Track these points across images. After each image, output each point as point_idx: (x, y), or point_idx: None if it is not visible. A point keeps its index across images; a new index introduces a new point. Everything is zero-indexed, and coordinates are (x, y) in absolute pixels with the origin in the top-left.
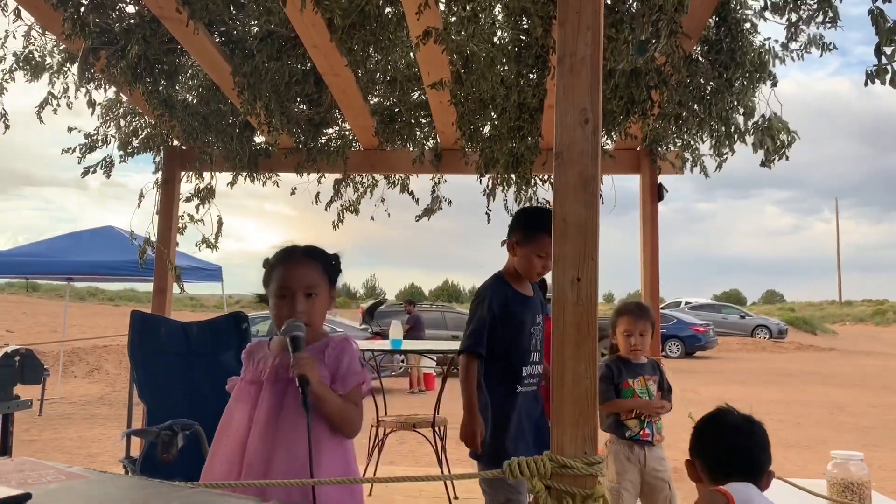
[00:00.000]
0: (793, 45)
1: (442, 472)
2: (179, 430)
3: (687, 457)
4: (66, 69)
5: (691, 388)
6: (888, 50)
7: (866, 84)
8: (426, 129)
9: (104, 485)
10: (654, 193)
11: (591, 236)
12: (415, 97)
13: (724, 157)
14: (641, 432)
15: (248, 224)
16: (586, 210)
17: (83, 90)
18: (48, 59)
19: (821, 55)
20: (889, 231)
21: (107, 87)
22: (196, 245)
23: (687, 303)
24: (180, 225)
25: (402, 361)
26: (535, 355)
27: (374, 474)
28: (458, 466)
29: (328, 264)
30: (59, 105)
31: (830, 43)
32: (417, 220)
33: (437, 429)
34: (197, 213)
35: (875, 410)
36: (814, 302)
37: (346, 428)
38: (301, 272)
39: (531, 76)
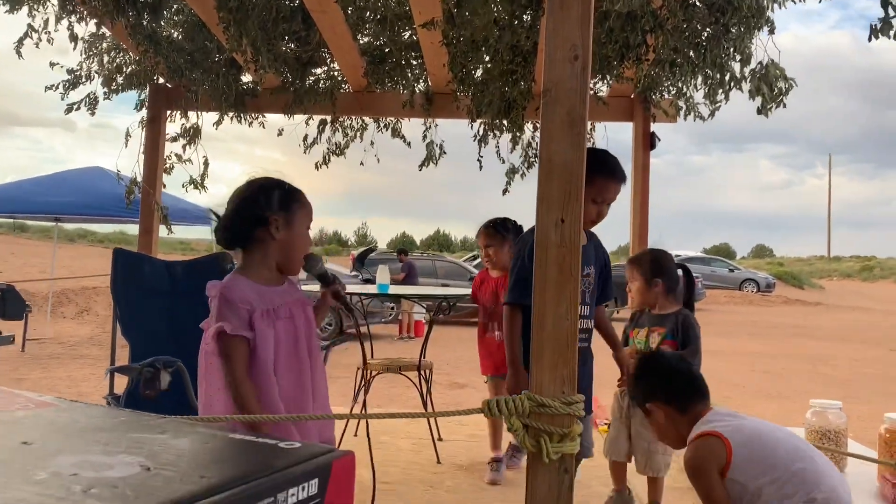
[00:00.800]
0: None
1: (426, 412)
2: (162, 366)
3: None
4: (46, 0)
5: None
6: None
7: (870, 39)
8: (417, 71)
9: (73, 413)
10: (647, 142)
11: (576, 177)
12: (406, 37)
13: (718, 105)
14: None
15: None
16: (573, 150)
17: (65, 23)
18: None
19: (819, 1)
20: (881, 188)
21: (89, 20)
22: (183, 186)
23: (677, 255)
24: (167, 165)
25: (392, 308)
26: (582, 308)
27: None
28: (443, 409)
29: None
30: (40, 40)
31: None
32: (421, 170)
33: (422, 372)
34: (184, 152)
35: (856, 364)
36: (803, 257)
37: None
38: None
39: (525, 17)
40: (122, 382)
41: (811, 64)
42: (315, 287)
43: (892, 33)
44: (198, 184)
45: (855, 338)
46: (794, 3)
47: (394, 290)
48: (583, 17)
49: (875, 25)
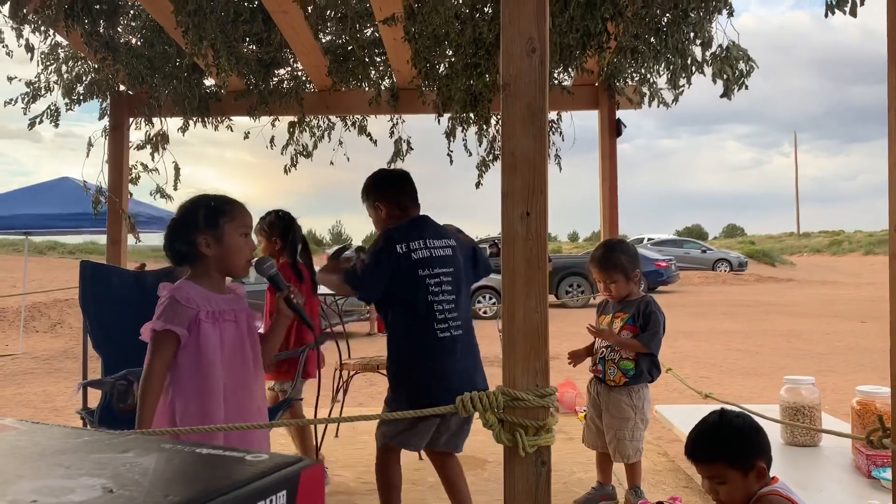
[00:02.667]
0: None
1: None
2: (135, 379)
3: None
4: None
5: None
6: None
7: (826, 15)
8: (381, 68)
9: (34, 435)
10: (613, 129)
11: (539, 170)
12: (368, 34)
13: (681, 89)
14: (594, 368)
15: (208, 172)
16: (534, 143)
17: (21, 35)
18: None
19: None
20: (846, 163)
21: (44, 30)
22: (151, 194)
23: (650, 239)
24: (133, 175)
25: (367, 305)
26: (449, 304)
27: (341, 416)
28: None
29: None
30: None
31: None
32: (389, 166)
33: None
34: (152, 160)
35: (829, 337)
36: (773, 235)
37: (273, 354)
38: (250, 215)
39: (486, 10)
40: (96, 396)
41: (773, 43)
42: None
43: (847, 8)
44: (164, 192)
45: (827, 312)
46: None
47: None
48: (538, 10)
49: (830, 2)
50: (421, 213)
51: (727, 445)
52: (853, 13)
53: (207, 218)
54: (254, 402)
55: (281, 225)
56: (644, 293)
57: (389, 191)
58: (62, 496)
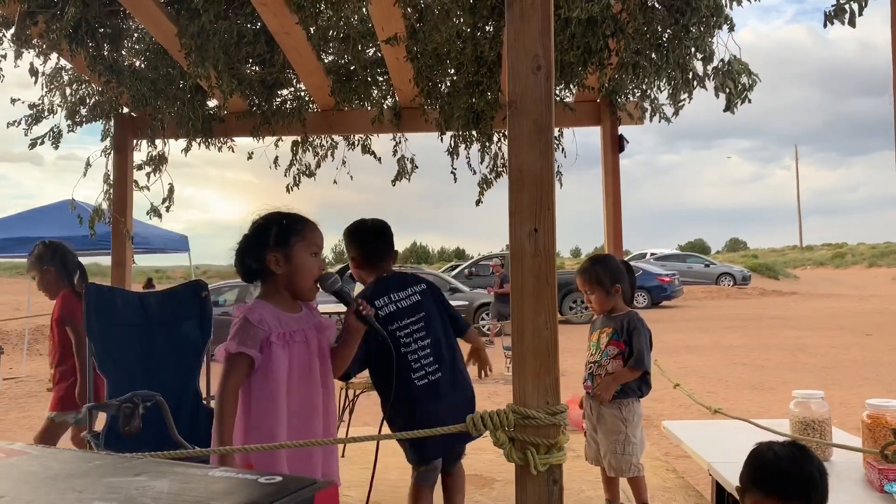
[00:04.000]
0: None
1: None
2: (140, 402)
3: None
4: (1, 35)
5: (657, 336)
6: None
7: (825, 25)
8: (384, 87)
9: (46, 460)
10: (616, 144)
11: (547, 186)
12: (370, 54)
13: (681, 104)
14: (585, 384)
15: (211, 194)
16: (541, 159)
17: (25, 57)
18: None
19: None
20: (846, 175)
21: (48, 54)
22: (147, 213)
23: (652, 254)
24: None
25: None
26: (425, 351)
27: (347, 435)
28: None
29: None
30: (2, 76)
31: None
32: (394, 185)
33: None
34: (148, 180)
35: (834, 350)
36: (776, 248)
37: (345, 366)
38: (321, 234)
39: (487, 28)
40: (102, 419)
41: (772, 58)
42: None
43: (846, 18)
44: (157, 212)
45: (831, 325)
46: (750, 1)
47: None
48: (543, 28)
49: (829, 12)
50: (423, 230)
51: (822, 488)
52: (852, 23)
53: (279, 236)
54: (320, 421)
55: (51, 255)
56: (629, 309)
57: (361, 243)
58: None
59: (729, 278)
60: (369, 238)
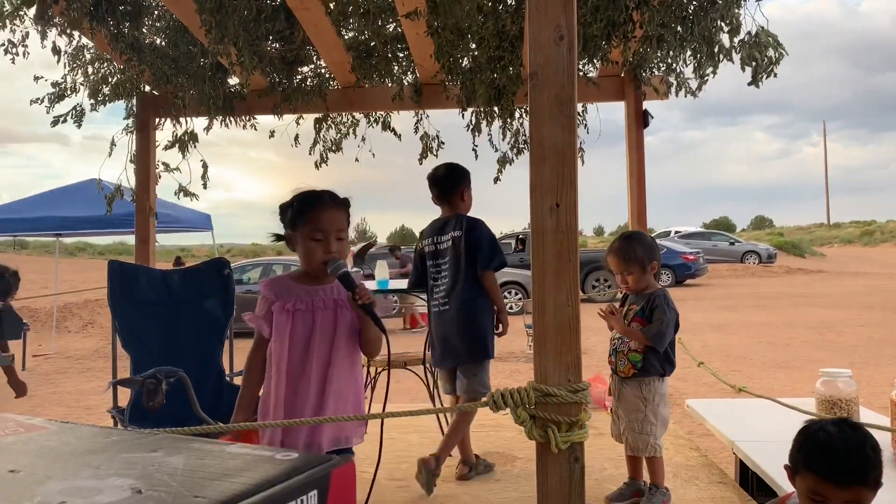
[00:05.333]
0: None
1: (434, 407)
2: (163, 377)
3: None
4: (22, 14)
5: (682, 315)
6: None
7: None
8: (404, 64)
9: (63, 435)
10: (640, 120)
11: (569, 160)
12: (390, 29)
13: (705, 78)
14: (609, 360)
15: (233, 172)
16: (564, 133)
17: (48, 38)
18: (6, 5)
19: None
20: (876, 152)
21: (69, 32)
22: (175, 194)
23: (677, 232)
24: (157, 174)
25: (395, 302)
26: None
27: (369, 413)
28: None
29: (348, 209)
30: (16, 54)
31: None
32: (421, 163)
33: (427, 365)
34: (183, 157)
35: (863, 329)
36: (802, 226)
37: (375, 348)
38: (332, 216)
39: (509, 2)
40: (126, 394)
41: (800, 32)
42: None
43: None
44: (189, 192)
45: (859, 303)
46: None
47: (394, 284)
48: None
49: None
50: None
51: (878, 466)
52: None
53: (292, 219)
54: (313, 391)
55: None
56: (660, 286)
57: (430, 184)
58: (90, 497)
59: (754, 256)
60: (430, 183)
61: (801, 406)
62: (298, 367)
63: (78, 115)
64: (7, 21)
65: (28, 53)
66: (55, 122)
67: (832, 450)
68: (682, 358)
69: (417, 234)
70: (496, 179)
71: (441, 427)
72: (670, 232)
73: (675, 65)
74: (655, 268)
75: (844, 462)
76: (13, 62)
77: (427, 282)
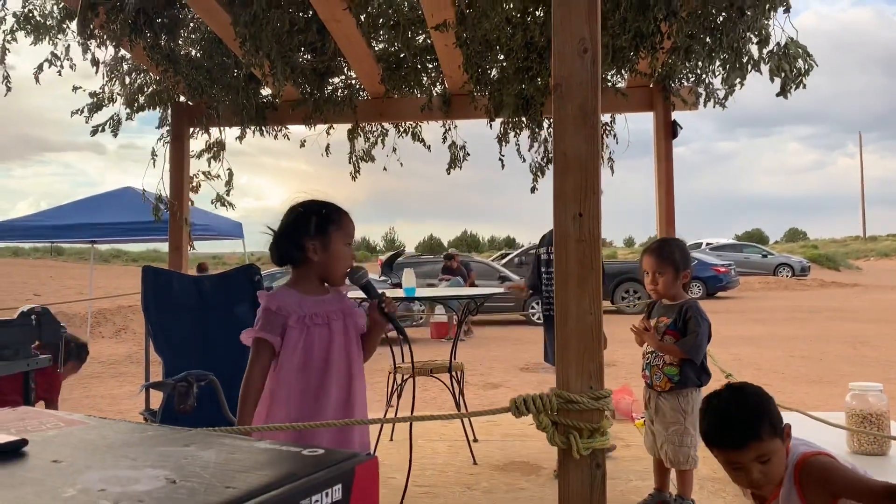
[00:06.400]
0: None
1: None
2: (194, 381)
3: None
4: (65, 27)
5: (713, 328)
6: None
7: None
8: (433, 74)
9: (101, 429)
10: (669, 130)
11: (592, 171)
12: (420, 41)
13: (733, 88)
14: (643, 374)
15: (265, 181)
16: (587, 144)
17: (88, 49)
18: (49, 20)
19: None
20: None
21: (108, 44)
22: (212, 202)
23: (708, 243)
24: (194, 183)
25: (423, 311)
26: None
27: (396, 416)
28: (477, 410)
29: None
30: (62, 66)
31: None
32: (449, 173)
33: (453, 374)
34: (209, 166)
35: None
36: (837, 238)
37: (372, 353)
38: (353, 225)
39: (537, 13)
40: (158, 397)
41: (835, 42)
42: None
43: None
44: (225, 200)
45: (895, 318)
46: None
47: (421, 292)
48: (590, 9)
49: None
50: (474, 218)
51: (767, 414)
52: None
53: (319, 225)
54: (332, 400)
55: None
56: (689, 297)
57: None
58: (128, 486)
59: (787, 269)
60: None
61: (831, 419)
62: (317, 379)
63: (115, 125)
64: (51, 35)
65: (74, 66)
66: (94, 132)
67: (717, 419)
68: (711, 370)
69: (445, 244)
70: (533, 189)
71: (467, 435)
72: (702, 244)
73: (704, 75)
74: (687, 277)
75: (728, 426)
76: (59, 74)
77: (541, 287)
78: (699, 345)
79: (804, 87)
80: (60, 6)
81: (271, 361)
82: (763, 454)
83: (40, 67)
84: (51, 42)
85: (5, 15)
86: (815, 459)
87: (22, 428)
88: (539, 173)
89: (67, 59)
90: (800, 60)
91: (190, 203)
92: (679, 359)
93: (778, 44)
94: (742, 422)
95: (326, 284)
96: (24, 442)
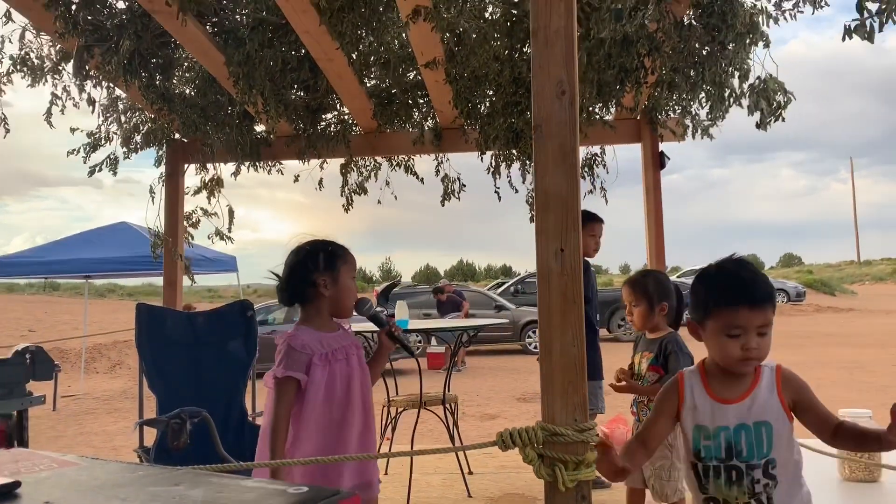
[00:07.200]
0: (785, 4)
1: (454, 447)
2: (188, 417)
3: None
4: (61, 68)
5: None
6: (871, 6)
7: (843, 39)
8: (424, 109)
9: (93, 470)
10: (657, 162)
11: (572, 207)
12: (410, 77)
13: (714, 121)
14: (631, 410)
15: (261, 214)
16: (567, 181)
17: (84, 90)
18: (46, 62)
19: (813, 12)
20: None
21: (104, 84)
22: (209, 237)
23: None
24: (194, 219)
25: (419, 342)
26: None
27: (390, 451)
28: (473, 442)
29: None
30: (64, 106)
31: (822, 0)
32: (443, 205)
33: (447, 405)
34: (209, 203)
35: (895, 369)
36: (832, 263)
37: (377, 378)
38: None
39: (524, 50)
40: (152, 434)
41: (825, 68)
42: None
43: (865, 33)
44: (224, 235)
45: (892, 342)
46: (786, 19)
47: (415, 324)
48: (567, 53)
49: (849, 26)
50: (469, 247)
51: (772, 289)
52: (870, 39)
53: (327, 261)
54: (355, 434)
55: None
56: (670, 330)
57: None
58: None
59: (783, 294)
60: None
61: (822, 447)
62: (340, 413)
63: (112, 163)
64: (49, 76)
65: (78, 104)
66: (92, 172)
67: (736, 276)
68: None
69: (441, 273)
70: (532, 219)
71: (461, 468)
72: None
73: (689, 107)
74: (665, 309)
75: (755, 284)
76: (63, 112)
77: None
78: None
79: (783, 119)
80: (57, 48)
81: (295, 399)
82: (766, 323)
83: (49, 112)
84: (49, 83)
85: (1, 58)
86: (789, 369)
87: (15, 470)
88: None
89: (70, 99)
90: (778, 95)
91: (190, 238)
92: None
93: (759, 77)
94: (763, 283)
95: (335, 320)
96: (17, 484)
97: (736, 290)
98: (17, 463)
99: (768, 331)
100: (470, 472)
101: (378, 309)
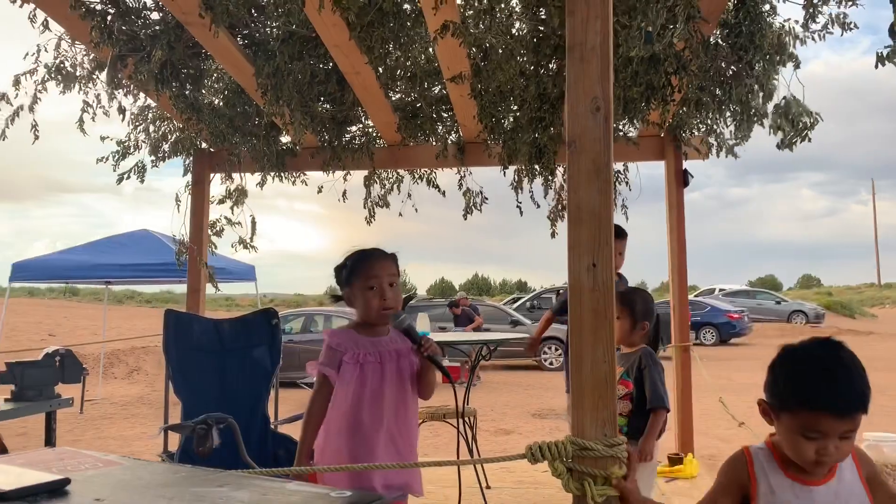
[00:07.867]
0: (813, 26)
1: (473, 459)
2: (213, 423)
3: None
4: (95, 77)
5: (725, 374)
6: None
7: (876, 66)
8: (448, 123)
9: (137, 470)
10: (680, 179)
11: (605, 223)
12: (435, 91)
13: (739, 140)
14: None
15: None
16: (600, 196)
17: (115, 98)
18: (79, 70)
19: (842, 34)
20: None
21: (135, 93)
22: (232, 246)
23: (721, 290)
24: (217, 228)
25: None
26: None
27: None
28: (490, 456)
29: (397, 260)
30: (95, 114)
31: (851, 22)
32: (466, 219)
33: (465, 419)
34: (232, 213)
35: None
36: (852, 285)
37: (431, 391)
38: (382, 264)
39: (550, 66)
40: (175, 440)
41: (847, 89)
42: None
43: None
44: (247, 244)
45: None
46: (815, 40)
47: (435, 338)
48: (602, 70)
49: (881, 53)
50: (485, 261)
51: (869, 385)
52: None
53: (347, 277)
54: (383, 437)
55: None
56: (644, 345)
57: None
58: None
59: (801, 316)
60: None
61: None
62: (369, 416)
63: (140, 171)
64: (81, 84)
65: (108, 112)
66: (120, 180)
67: (827, 378)
68: (724, 418)
69: (457, 287)
70: (553, 234)
71: (480, 482)
72: (715, 290)
73: (714, 126)
74: (646, 328)
75: (848, 389)
76: (94, 119)
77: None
78: (660, 393)
79: (809, 140)
80: (91, 57)
81: (330, 394)
82: (853, 429)
83: (81, 119)
84: (81, 90)
85: (37, 66)
86: (860, 448)
87: (62, 468)
88: (558, 219)
89: (101, 107)
90: (804, 116)
91: (213, 247)
92: (629, 410)
93: (784, 98)
94: (858, 381)
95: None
96: (66, 481)
97: (824, 394)
98: (63, 461)
99: (853, 435)
100: (488, 487)
101: (413, 324)
